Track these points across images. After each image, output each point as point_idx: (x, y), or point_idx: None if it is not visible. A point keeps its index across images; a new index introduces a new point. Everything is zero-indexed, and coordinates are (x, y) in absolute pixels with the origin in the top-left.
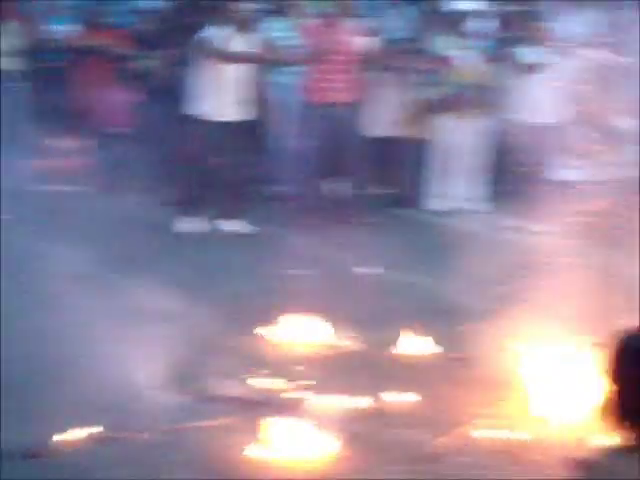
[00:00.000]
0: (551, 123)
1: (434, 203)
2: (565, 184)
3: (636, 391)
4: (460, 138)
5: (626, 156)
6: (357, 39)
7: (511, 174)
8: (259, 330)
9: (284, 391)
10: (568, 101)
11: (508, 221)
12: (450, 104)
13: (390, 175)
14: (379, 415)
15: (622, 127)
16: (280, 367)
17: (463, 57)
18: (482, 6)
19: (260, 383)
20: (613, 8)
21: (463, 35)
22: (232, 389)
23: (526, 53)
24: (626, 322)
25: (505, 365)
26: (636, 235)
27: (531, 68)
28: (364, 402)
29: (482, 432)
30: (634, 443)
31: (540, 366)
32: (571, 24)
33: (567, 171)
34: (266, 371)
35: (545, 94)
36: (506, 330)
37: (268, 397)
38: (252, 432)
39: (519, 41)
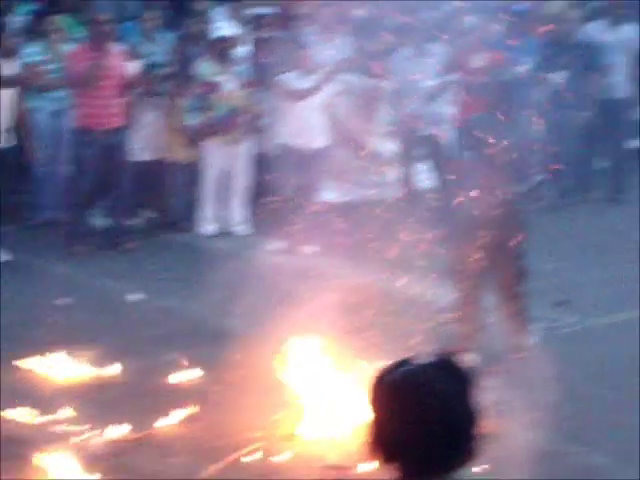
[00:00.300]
0: (315, 146)
1: (204, 227)
2: (332, 205)
3: (387, 425)
4: (228, 162)
5: (388, 177)
6: (123, 64)
7: (278, 197)
8: (20, 362)
9: (48, 425)
10: (330, 124)
11: (276, 244)
12: (217, 129)
13: (159, 200)
14: (149, 445)
15: (383, 149)
16: (43, 400)
17: (228, 82)
18: (242, 32)
19: (21, 417)
20: (368, 34)
21: (227, 60)
22: None
23: (289, 78)
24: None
25: (275, 387)
26: (403, 254)
27: (295, 93)
28: (133, 432)
29: (253, 456)
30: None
31: (310, 387)
32: (330, 49)
33: (332, 193)
34: (28, 404)
35: (309, 118)
36: (273, 352)
37: (31, 431)
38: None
39: (282, 66)
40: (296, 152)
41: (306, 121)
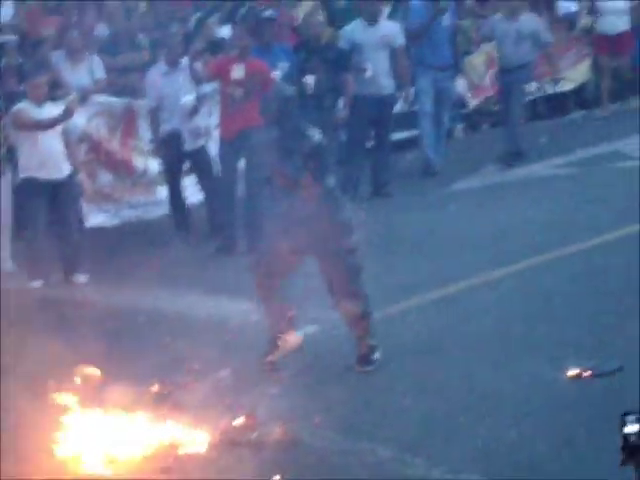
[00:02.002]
0: (63, 175)
1: None
2: (99, 230)
3: None
4: None
5: (155, 195)
6: None
7: (38, 230)
8: None
9: None
10: (85, 149)
11: (43, 277)
12: None
13: None
14: None
15: (148, 167)
16: None
17: None
18: None
19: None
20: (117, 52)
21: None
22: None
23: (31, 107)
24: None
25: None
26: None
27: (39, 123)
28: None
29: None
30: None
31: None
32: (80, 72)
33: (98, 217)
34: None
35: (51, 147)
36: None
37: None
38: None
39: (27, 95)
40: (44, 184)
41: (48, 151)
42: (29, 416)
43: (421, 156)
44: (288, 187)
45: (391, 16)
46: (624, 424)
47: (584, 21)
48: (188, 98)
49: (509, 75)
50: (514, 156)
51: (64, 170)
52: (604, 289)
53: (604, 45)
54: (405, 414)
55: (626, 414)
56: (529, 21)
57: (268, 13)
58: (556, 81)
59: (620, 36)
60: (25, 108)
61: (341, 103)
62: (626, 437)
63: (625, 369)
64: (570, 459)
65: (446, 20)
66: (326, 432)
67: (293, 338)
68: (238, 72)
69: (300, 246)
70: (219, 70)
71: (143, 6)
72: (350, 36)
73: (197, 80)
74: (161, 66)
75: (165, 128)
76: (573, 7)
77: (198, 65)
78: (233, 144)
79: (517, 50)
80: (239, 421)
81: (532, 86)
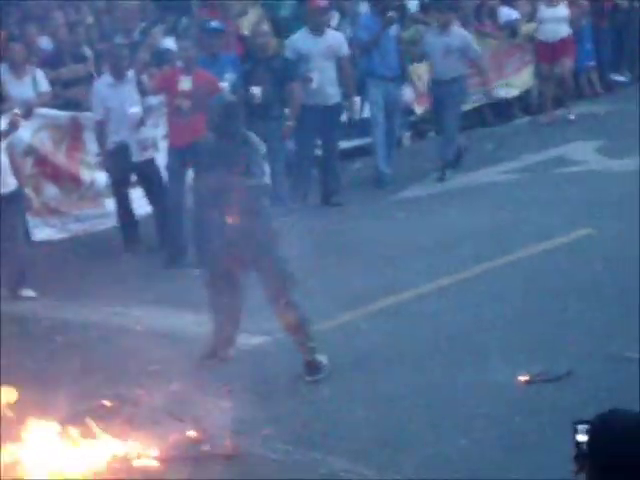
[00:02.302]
0: (8, 190)
1: None
2: (46, 244)
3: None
4: None
5: (100, 209)
6: None
7: None
8: None
9: None
10: (30, 162)
11: None
12: None
13: None
14: None
15: (95, 179)
16: None
17: None
18: None
19: None
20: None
21: None
22: None
23: None
24: None
25: None
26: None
27: None
28: None
29: None
30: None
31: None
32: (23, 86)
33: (45, 231)
34: None
35: (4, 161)
36: None
37: None
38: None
39: None
40: None
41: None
42: None
43: (370, 164)
44: (226, 197)
45: (337, 26)
46: (576, 432)
47: (525, 28)
48: (135, 110)
49: (440, 88)
50: (449, 167)
51: (9, 184)
52: (552, 293)
53: (545, 52)
54: (356, 424)
55: (577, 423)
56: (458, 35)
57: (214, 24)
58: (487, 94)
59: (561, 42)
60: None
61: (288, 113)
62: (578, 446)
63: (575, 372)
64: (522, 465)
65: (393, 30)
66: (276, 444)
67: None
68: (185, 84)
69: (238, 257)
70: (166, 82)
71: (89, 19)
72: (296, 46)
73: (143, 92)
74: (107, 78)
75: (112, 140)
76: (514, 15)
77: (144, 77)
78: (181, 155)
79: (447, 63)
80: (189, 434)
81: (469, 96)
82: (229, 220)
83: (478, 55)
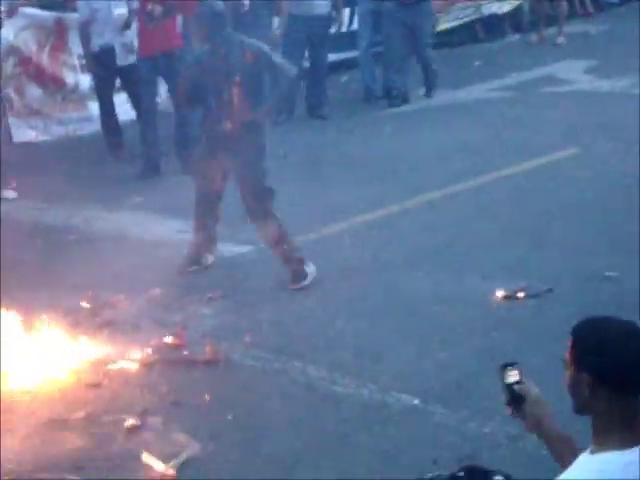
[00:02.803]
0: None
1: None
2: (30, 145)
3: None
4: None
5: (83, 112)
6: None
7: None
8: None
9: None
10: (12, 62)
11: None
12: None
13: None
14: None
15: (79, 82)
16: None
17: None
18: None
19: None
20: None
21: None
22: None
23: None
24: None
25: None
26: None
27: None
28: None
29: None
30: None
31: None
32: None
33: (28, 132)
34: None
35: None
36: None
37: None
38: None
39: None
40: None
41: None
42: None
43: (357, 78)
44: (216, 107)
45: None
46: (505, 374)
47: None
48: (121, 11)
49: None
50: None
51: None
52: (536, 212)
53: None
54: (336, 335)
55: (506, 365)
56: None
57: None
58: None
59: None
60: None
61: (276, 22)
62: (510, 389)
63: (555, 290)
64: (497, 377)
65: None
66: (257, 351)
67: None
68: None
69: (224, 166)
70: None
71: None
72: None
73: None
74: None
75: (97, 42)
76: None
77: None
78: (153, 63)
79: None
80: (169, 339)
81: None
82: (221, 127)
83: None
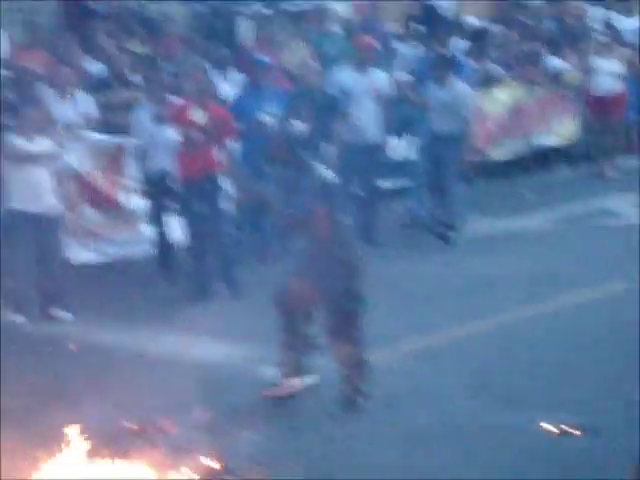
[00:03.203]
0: (50, 210)
1: None
2: (83, 267)
3: None
4: None
5: (136, 234)
6: None
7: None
8: None
9: None
10: (71, 184)
11: (23, 313)
12: None
13: None
14: None
15: (134, 205)
16: None
17: None
18: None
19: None
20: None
21: None
22: None
23: (20, 140)
24: None
25: None
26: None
27: (26, 155)
28: None
29: None
30: None
31: None
32: (69, 107)
33: (83, 254)
34: None
35: (39, 181)
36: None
37: None
38: None
39: (16, 128)
40: (30, 216)
41: (35, 184)
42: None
43: (408, 206)
44: (298, 225)
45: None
46: None
47: (570, 77)
48: (176, 137)
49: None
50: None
51: (50, 204)
52: (582, 345)
53: (595, 104)
54: (385, 465)
55: None
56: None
57: (261, 57)
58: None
59: (612, 96)
60: (14, 141)
61: (328, 149)
62: None
63: (602, 425)
64: None
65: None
66: (298, 477)
67: (297, 382)
68: (197, 116)
69: (311, 284)
70: (178, 113)
71: (138, 46)
72: (339, 82)
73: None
74: (150, 104)
75: (153, 167)
76: (560, 64)
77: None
78: (194, 188)
79: (443, 117)
80: (214, 462)
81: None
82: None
83: (470, 113)
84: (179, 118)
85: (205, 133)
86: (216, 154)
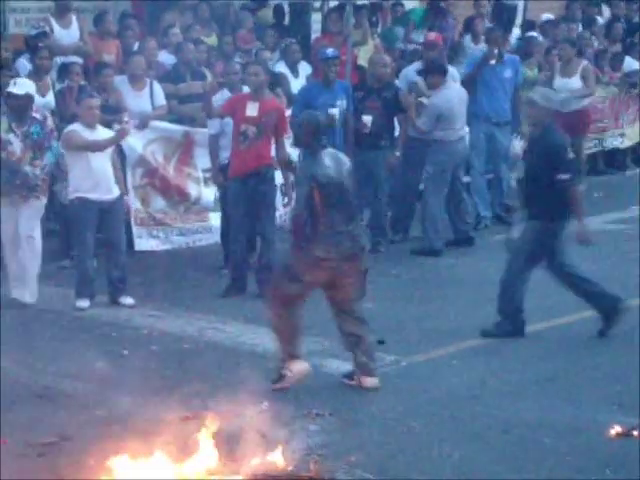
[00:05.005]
0: (114, 197)
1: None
2: (151, 254)
3: None
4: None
5: (204, 224)
6: None
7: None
8: None
9: None
10: (140, 173)
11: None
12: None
13: None
14: None
15: (203, 194)
16: None
17: (17, 141)
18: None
19: None
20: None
21: (20, 118)
22: None
23: (83, 129)
24: None
25: None
26: None
27: (92, 144)
28: None
29: None
30: None
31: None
32: (141, 97)
33: (151, 241)
34: None
35: (104, 169)
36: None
37: None
38: None
39: (82, 117)
40: (94, 204)
41: (98, 173)
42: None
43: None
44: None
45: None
46: None
47: None
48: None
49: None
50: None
51: (114, 192)
52: None
53: None
54: (441, 460)
55: None
56: None
57: (330, 51)
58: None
59: None
60: (77, 129)
61: (396, 143)
62: None
63: None
64: None
65: (507, 72)
66: (360, 472)
67: (300, 366)
68: (251, 110)
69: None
70: (233, 107)
71: (211, 38)
72: (409, 77)
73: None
74: (224, 94)
75: (224, 155)
76: (636, 65)
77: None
78: (241, 183)
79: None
80: (274, 454)
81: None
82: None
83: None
84: (233, 111)
85: (258, 127)
86: (270, 148)
